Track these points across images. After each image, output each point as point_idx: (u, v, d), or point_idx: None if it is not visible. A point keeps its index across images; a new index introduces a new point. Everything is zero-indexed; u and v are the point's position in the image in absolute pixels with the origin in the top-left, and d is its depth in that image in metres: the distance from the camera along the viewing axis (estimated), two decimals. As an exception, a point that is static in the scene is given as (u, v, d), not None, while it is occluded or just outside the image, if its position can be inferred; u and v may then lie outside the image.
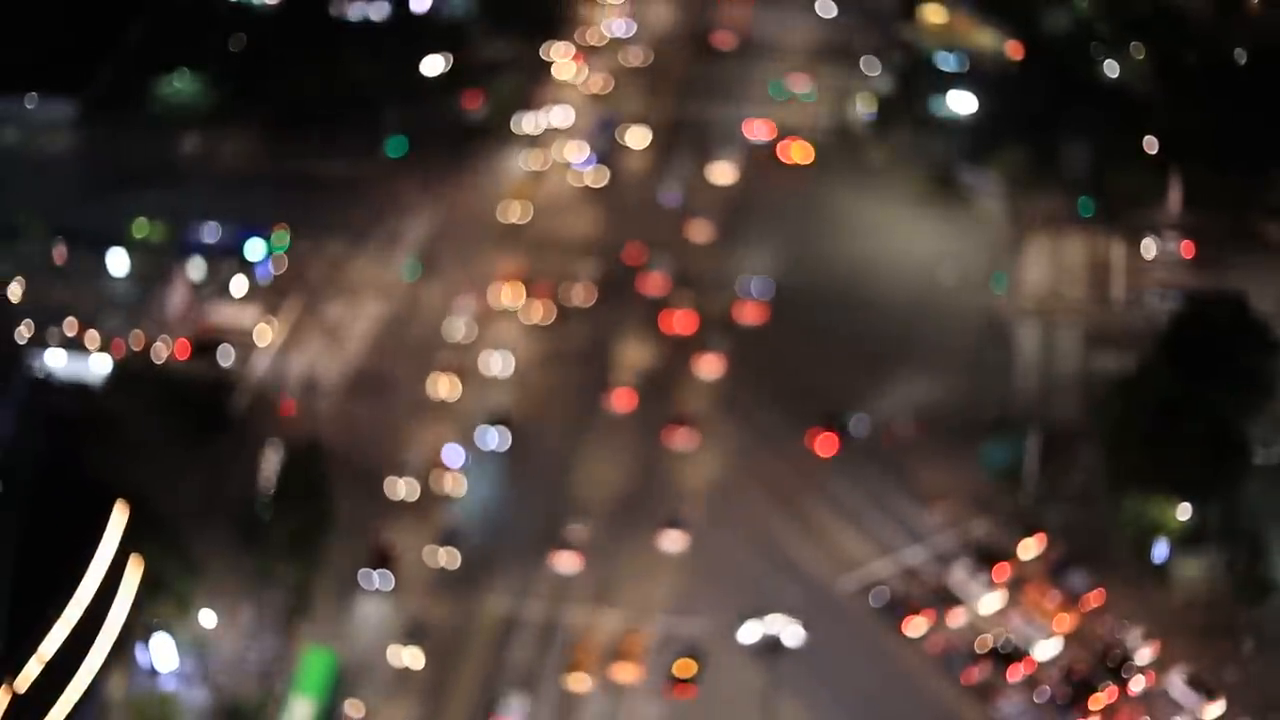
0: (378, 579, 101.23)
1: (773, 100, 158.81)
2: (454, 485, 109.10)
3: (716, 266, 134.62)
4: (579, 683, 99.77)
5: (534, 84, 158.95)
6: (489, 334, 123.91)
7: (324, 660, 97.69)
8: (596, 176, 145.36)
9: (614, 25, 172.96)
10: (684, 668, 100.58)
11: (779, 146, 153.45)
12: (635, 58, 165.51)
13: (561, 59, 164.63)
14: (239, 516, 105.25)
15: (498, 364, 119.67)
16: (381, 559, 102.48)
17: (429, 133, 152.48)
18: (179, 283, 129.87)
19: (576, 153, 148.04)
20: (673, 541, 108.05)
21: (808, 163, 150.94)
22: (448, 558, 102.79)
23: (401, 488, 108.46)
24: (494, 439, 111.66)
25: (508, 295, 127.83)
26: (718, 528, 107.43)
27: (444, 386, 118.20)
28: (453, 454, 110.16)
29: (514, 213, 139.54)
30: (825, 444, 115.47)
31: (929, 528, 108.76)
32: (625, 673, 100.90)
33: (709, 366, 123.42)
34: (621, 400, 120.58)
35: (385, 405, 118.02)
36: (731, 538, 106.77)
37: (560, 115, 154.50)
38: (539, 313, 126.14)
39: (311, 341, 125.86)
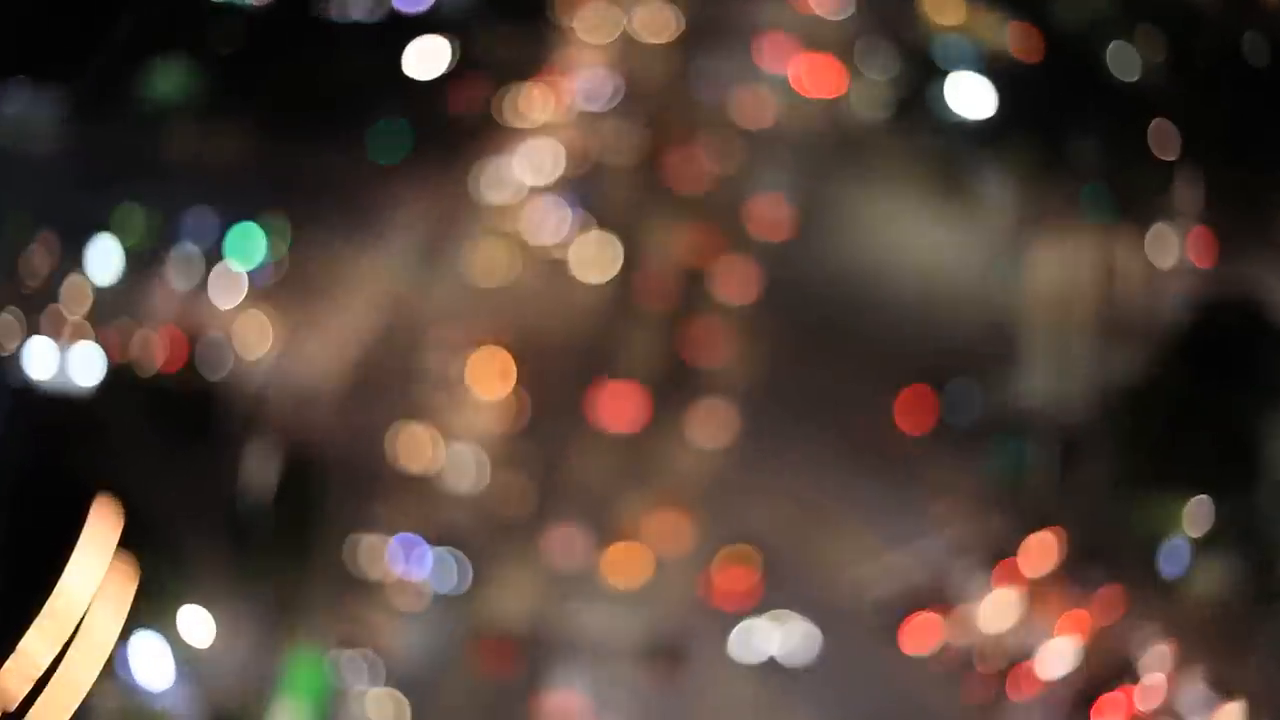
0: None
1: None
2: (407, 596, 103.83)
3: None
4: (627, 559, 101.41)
5: (506, 133, 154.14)
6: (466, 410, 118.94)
7: (316, 664, 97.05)
8: (571, 242, 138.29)
9: (589, 93, 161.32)
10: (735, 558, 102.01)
11: (795, 79, 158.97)
12: (617, 149, 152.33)
13: (534, 112, 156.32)
14: (231, 520, 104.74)
15: (463, 470, 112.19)
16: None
17: (428, 132, 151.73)
18: (170, 282, 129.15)
19: (548, 226, 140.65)
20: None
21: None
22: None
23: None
24: (445, 575, 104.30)
25: (483, 381, 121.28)
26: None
27: (414, 452, 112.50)
28: (414, 556, 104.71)
29: (492, 273, 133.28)
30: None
31: (929, 528, 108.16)
32: (668, 525, 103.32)
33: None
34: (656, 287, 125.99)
35: (382, 408, 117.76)
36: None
37: (535, 168, 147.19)
38: (509, 411, 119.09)
39: (307, 342, 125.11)
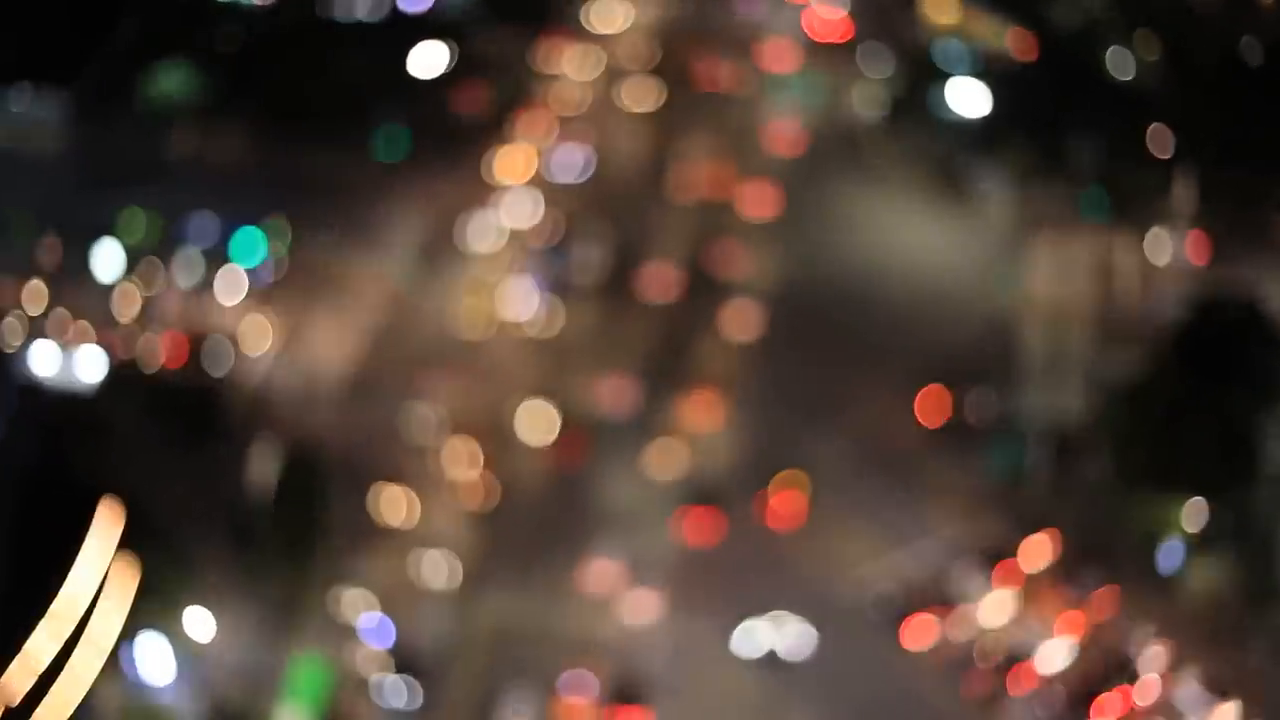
0: None
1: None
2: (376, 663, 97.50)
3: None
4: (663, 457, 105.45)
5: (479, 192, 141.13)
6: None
7: (317, 668, 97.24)
8: (543, 321, 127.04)
9: (561, 162, 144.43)
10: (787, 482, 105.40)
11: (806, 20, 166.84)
12: (584, 272, 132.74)
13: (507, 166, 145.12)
14: (233, 521, 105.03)
15: (434, 571, 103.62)
16: None
17: (427, 132, 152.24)
18: (172, 282, 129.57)
19: (518, 298, 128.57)
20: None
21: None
22: None
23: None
24: (401, 693, 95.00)
25: (461, 462, 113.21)
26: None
27: (394, 506, 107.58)
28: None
29: (471, 325, 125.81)
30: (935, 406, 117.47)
31: (929, 528, 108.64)
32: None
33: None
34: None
35: (382, 408, 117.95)
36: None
37: (515, 213, 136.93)
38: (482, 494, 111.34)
39: (308, 342, 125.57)
